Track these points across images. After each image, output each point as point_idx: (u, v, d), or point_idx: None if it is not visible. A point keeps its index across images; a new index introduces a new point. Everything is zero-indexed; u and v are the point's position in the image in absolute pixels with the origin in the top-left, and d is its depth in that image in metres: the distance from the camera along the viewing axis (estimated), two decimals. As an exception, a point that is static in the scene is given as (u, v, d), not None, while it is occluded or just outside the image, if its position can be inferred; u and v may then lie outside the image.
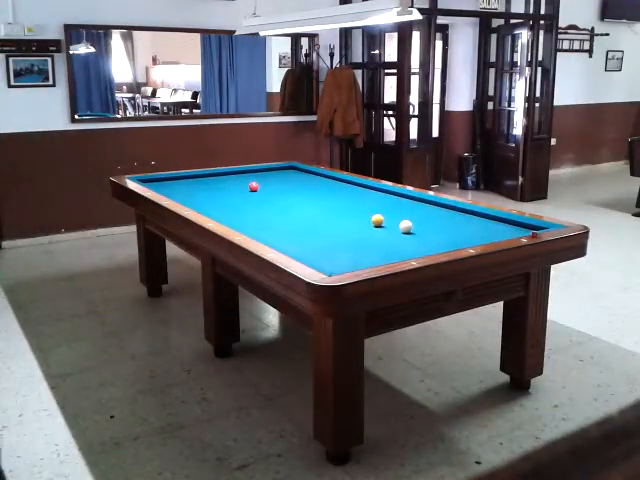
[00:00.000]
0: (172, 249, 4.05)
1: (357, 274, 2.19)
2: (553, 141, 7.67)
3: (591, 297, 4.25)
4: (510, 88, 7.46)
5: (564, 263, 2.92)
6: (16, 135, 5.28)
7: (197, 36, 7.81)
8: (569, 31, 8.25)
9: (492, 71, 7.73)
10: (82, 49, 7.36)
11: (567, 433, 0.46)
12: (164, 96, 10.45)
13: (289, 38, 6.99)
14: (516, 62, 7.33)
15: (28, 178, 5.37)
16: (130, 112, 10.01)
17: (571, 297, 4.23)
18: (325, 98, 6.34)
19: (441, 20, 7.07)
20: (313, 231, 3.00)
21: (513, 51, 7.43)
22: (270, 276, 2.41)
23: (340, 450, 2.43)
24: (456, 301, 2.57)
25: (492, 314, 3.50)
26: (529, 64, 6.93)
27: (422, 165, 6.61)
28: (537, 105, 7.24)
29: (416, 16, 2.86)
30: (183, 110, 9.47)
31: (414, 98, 6.59)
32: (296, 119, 6.64)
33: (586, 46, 8.63)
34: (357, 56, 6.89)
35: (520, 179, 7.20)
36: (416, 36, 6.37)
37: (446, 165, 8.28)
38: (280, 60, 7.97)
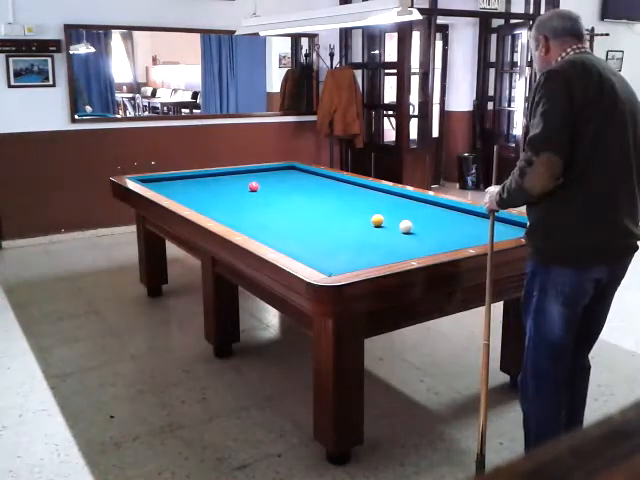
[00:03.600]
0: (172, 249, 4.05)
1: (357, 274, 2.19)
2: (553, 141, 7.65)
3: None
4: (510, 88, 7.46)
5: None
6: (16, 135, 5.28)
7: (197, 36, 7.81)
8: (569, 31, 8.25)
9: (492, 71, 7.73)
10: (82, 49, 7.36)
11: (567, 433, 0.46)
12: (164, 96, 10.44)
13: (289, 38, 6.99)
14: (516, 62, 7.33)
15: (28, 178, 5.37)
16: (130, 112, 10.01)
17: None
18: (325, 98, 6.34)
19: (441, 20, 7.07)
20: (313, 231, 3.00)
21: (513, 51, 7.43)
22: (270, 276, 2.41)
23: (340, 450, 2.43)
24: (456, 301, 2.57)
25: (492, 314, 3.49)
26: (529, 64, 6.93)
27: (422, 165, 6.61)
28: (537, 105, 7.23)
29: (416, 16, 2.86)
30: (183, 110, 9.47)
31: (414, 98, 6.59)
32: (296, 119, 6.64)
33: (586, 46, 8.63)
34: (357, 56, 6.89)
35: (520, 179, 7.18)
36: (416, 36, 6.37)
37: (446, 165, 8.28)
38: (280, 60, 7.98)
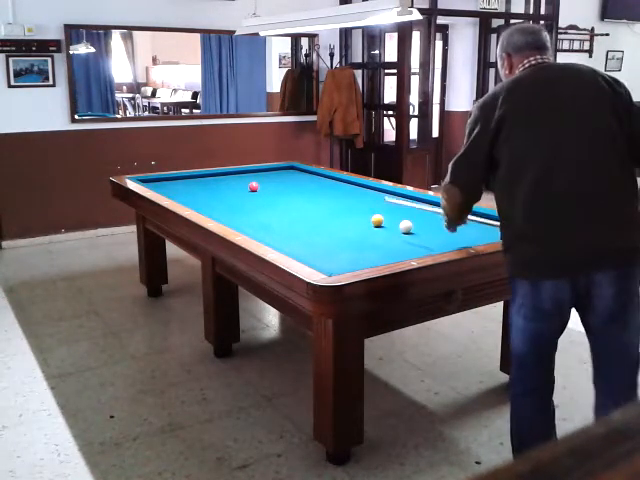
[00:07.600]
0: (172, 249, 4.05)
1: (357, 274, 2.19)
2: (553, 141, 7.65)
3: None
4: (510, 88, 7.45)
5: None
6: (16, 135, 5.28)
7: (197, 36, 7.81)
8: (569, 31, 8.25)
9: (492, 71, 7.73)
10: (82, 49, 7.36)
11: (567, 433, 0.46)
12: (164, 96, 10.44)
13: (289, 38, 6.99)
14: (516, 62, 7.32)
15: (28, 178, 5.37)
16: (130, 112, 10.01)
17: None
18: (325, 98, 6.34)
19: (441, 20, 7.06)
20: (313, 231, 3.00)
21: (513, 51, 7.41)
22: (270, 276, 2.41)
23: (340, 450, 2.43)
24: (456, 301, 2.57)
25: (492, 314, 3.49)
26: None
27: (422, 165, 6.61)
28: (537, 105, 7.22)
29: (416, 16, 2.86)
30: (183, 110, 9.47)
31: (414, 98, 6.59)
32: (296, 119, 6.64)
33: (586, 46, 8.62)
34: (357, 56, 6.89)
35: (520, 179, 7.18)
36: (416, 36, 6.37)
37: (446, 165, 8.25)
38: (280, 60, 7.97)
